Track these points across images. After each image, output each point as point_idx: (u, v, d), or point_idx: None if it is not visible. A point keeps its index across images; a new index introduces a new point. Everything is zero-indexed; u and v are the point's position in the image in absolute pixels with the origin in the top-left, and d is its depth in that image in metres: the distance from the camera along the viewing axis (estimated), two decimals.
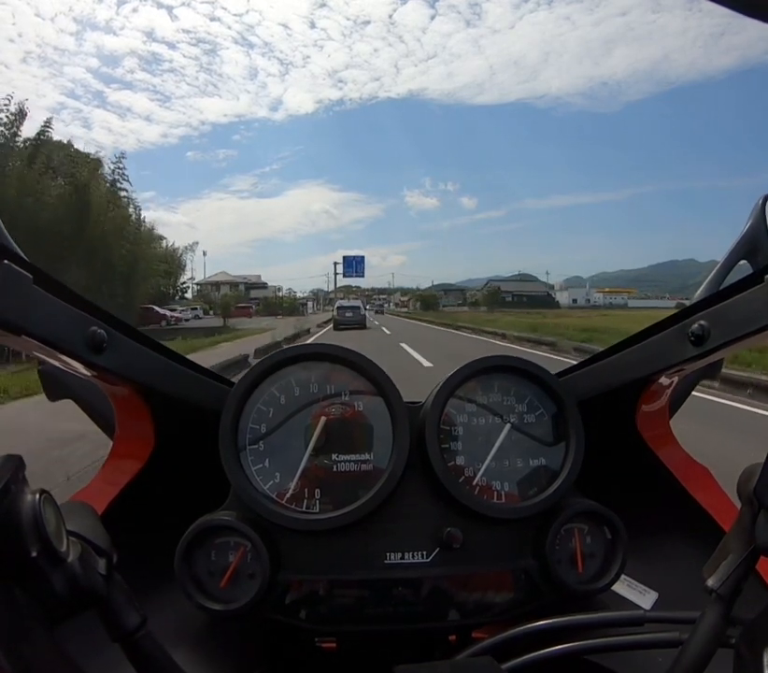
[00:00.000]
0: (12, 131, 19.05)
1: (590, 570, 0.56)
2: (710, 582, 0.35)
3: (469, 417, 0.60)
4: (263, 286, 79.45)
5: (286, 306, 57.66)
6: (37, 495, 0.29)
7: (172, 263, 32.57)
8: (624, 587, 0.60)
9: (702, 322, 0.51)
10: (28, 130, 19.78)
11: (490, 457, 0.58)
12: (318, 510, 0.55)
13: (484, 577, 0.57)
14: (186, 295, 50.37)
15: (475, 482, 0.58)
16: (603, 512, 0.56)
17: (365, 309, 32.05)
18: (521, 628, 0.47)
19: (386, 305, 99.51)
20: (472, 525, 0.56)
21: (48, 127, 20.47)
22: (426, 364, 10.10)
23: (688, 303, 0.60)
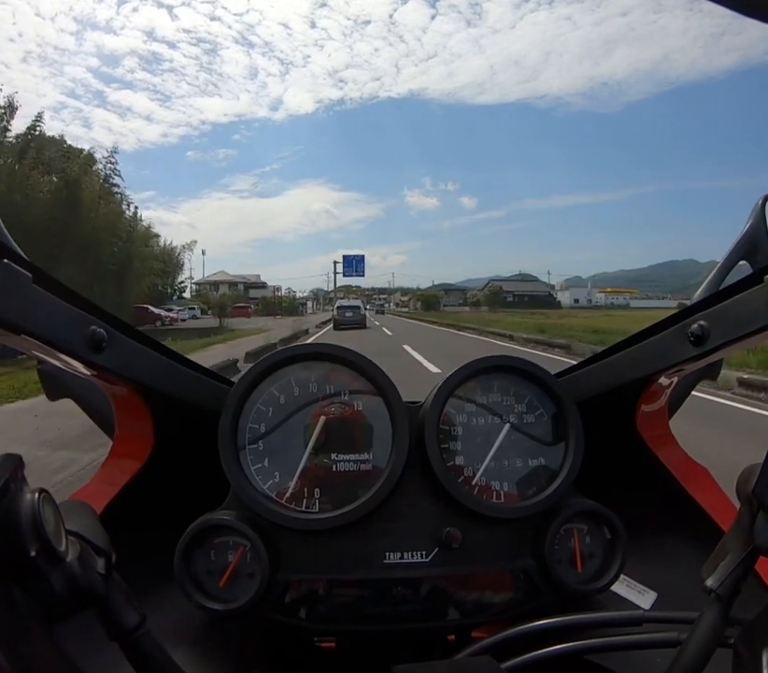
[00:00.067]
0: (1, 125, 18.23)
1: (590, 570, 0.56)
2: (709, 582, 0.35)
3: (468, 417, 0.60)
4: (263, 286, 79.31)
5: (285, 306, 57.57)
6: (36, 495, 0.29)
7: (169, 262, 31.71)
8: (623, 587, 0.60)
9: (701, 322, 0.51)
10: (19, 125, 19.06)
11: (489, 457, 0.58)
12: (317, 510, 0.55)
13: (483, 576, 0.57)
14: (184, 295, 50.15)
15: (474, 482, 0.58)
16: (602, 512, 0.56)
17: (365, 309, 32.01)
18: (520, 628, 0.47)
19: (386, 305, 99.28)
20: (471, 525, 0.56)
21: (39, 122, 19.71)
22: (434, 369, 9.62)
23: (688, 303, 0.60)
